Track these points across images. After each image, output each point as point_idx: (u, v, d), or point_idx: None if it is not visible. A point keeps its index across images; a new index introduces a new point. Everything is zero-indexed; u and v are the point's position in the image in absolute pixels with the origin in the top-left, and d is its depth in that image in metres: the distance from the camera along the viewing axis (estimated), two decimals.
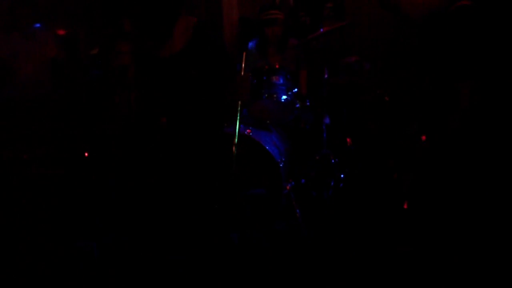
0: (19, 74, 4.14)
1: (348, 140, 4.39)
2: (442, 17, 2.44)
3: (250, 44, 4.67)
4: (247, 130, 3.90)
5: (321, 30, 4.27)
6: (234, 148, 2.96)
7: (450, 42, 2.43)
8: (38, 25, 4.28)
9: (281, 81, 4.15)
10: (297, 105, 4.25)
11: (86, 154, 4.18)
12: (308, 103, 4.32)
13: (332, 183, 4.26)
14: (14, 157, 3.77)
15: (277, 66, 4.17)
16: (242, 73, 2.74)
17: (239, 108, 2.83)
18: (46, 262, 3.74)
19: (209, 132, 2.70)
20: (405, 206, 3.57)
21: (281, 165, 3.92)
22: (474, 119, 2.58)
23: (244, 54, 2.78)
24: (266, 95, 4.10)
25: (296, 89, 4.26)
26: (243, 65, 2.75)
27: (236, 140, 2.93)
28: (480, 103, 2.51)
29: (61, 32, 4.49)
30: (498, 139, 2.63)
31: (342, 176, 4.26)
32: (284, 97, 4.13)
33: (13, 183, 3.75)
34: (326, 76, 4.29)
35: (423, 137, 3.24)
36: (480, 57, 2.43)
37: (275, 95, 4.11)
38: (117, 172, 3.98)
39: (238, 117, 2.84)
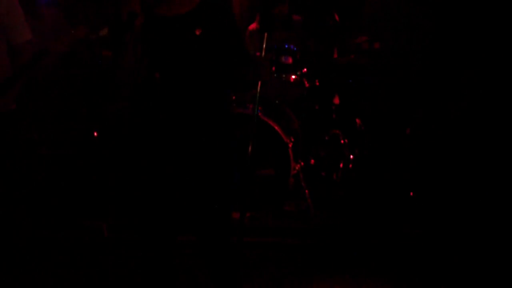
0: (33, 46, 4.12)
1: (357, 120, 4.36)
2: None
3: (252, 26, 4.64)
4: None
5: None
6: (250, 129, 2.94)
7: (458, 27, 2.38)
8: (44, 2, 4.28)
9: (290, 61, 4.11)
10: (307, 85, 4.22)
11: (96, 134, 4.18)
12: (317, 83, 4.28)
13: (341, 164, 4.24)
14: (24, 137, 3.77)
15: (286, 46, 4.13)
16: (263, 53, 2.70)
17: (259, 89, 2.80)
18: (56, 240, 3.77)
19: (214, 105, 2.65)
20: (411, 194, 3.55)
21: (290, 145, 3.90)
22: (475, 109, 2.55)
23: (266, 34, 2.74)
24: (275, 75, 4.07)
25: (305, 69, 4.22)
26: (264, 45, 2.71)
27: (255, 121, 2.91)
28: (482, 94, 2.47)
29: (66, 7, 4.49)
30: (498, 129, 2.60)
31: (351, 157, 4.23)
32: (293, 77, 4.10)
33: (24, 163, 3.75)
34: (335, 55, 4.25)
35: (407, 130, 3.23)
36: (485, 48, 2.38)
37: (284, 75, 4.08)
38: (126, 151, 3.98)
39: (257, 98, 2.81)
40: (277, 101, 4.17)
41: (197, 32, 2.48)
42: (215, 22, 2.53)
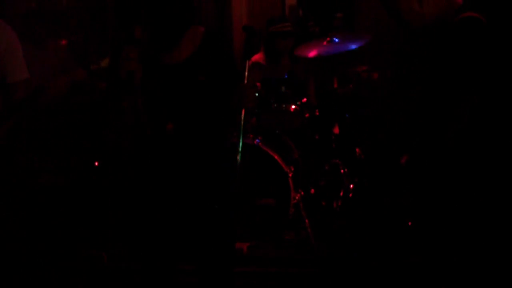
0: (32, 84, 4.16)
1: (357, 150, 4.39)
2: (445, 28, 2.41)
3: (256, 57, 4.70)
4: (257, 140, 3.92)
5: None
6: (238, 157, 2.97)
7: (454, 54, 2.40)
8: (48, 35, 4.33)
9: (290, 91, 4.17)
10: (306, 115, 4.26)
11: (97, 163, 4.21)
12: (317, 113, 4.33)
13: (341, 193, 4.25)
14: (25, 166, 3.80)
15: (286, 77, 4.20)
16: (245, 81, 2.75)
17: (242, 116, 2.84)
18: (58, 270, 3.77)
19: (216, 140, 2.72)
20: (409, 223, 3.55)
21: (290, 175, 3.93)
22: (475, 136, 2.55)
23: (247, 62, 2.79)
24: (275, 105, 4.12)
25: (305, 99, 4.28)
26: (246, 73, 2.76)
27: (240, 148, 2.94)
28: (481, 119, 2.48)
29: (71, 41, 4.53)
30: (496, 157, 2.61)
31: (351, 186, 4.25)
32: (293, 106, 4.15)
33: (24, 192, 3.78)
34: (335, 85, 4.30)
35: (403, 160, 3.25)
36: (484, 72, 2.40)
37: (284, 105, 4.13)
38: (126, 180, 4.00)
39: (242, 125, 2.85)
40: (277, 131, 4.21)
41: (201, 79, 2.56)
42: (215, 65, 2.60)
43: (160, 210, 2.69)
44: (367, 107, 4.26)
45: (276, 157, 3.91)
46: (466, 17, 2.37)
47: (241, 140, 2.95)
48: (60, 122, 4.14)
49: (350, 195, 4.25)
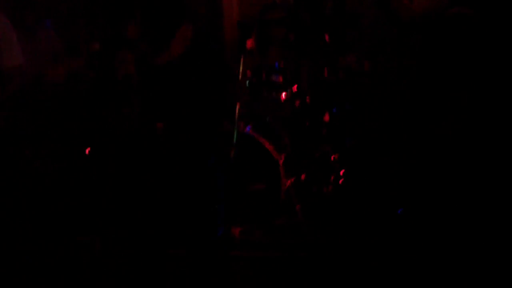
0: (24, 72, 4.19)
1: (346, 137, 4.45)
2: (435, 23, 2.45)
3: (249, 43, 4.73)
4: (247, 128, 3.98)
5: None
6: (233, 148, 3.03)
7: (445, 49, 2.45)
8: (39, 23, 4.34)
9: (281, 79, 4.23)
10: (297, 103, 4.32)
11: (87, 151, 4.24)
12: (307, 101, 4.38)
13: (331, 179, 4.32)
14: (16, 152, 3.83)
15: (276, 65, 4.25)
16: (240, 76, 2.81)
17: (237, 110, 2.90)
18: (50, 257, 3.82)
19: (208, 132, 2.77)
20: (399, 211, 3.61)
21: (281, 162, 4.00)
22: (470, 130, 2.60)
23: (242, 57, 2.85)
24: (266, 94, 4.18)
25: (295, 87, 4.33)
26: (240, 68, 2.82)
27: (235, 139, 3.01)
28: (476, 113, 2.53)
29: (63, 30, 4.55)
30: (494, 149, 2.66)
31: (341, 172, 4.31)
32: (283, 94, 4.21)
33: (15, 178, 3.81)
34: (325, 74, 4.36)
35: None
36: (477, 67, 2.44)
37: (274, 93, 4.19)
38: (119, 168, 4.05)
39: (237, 118, 2.91)
40: (267, 119, 4.27)
41: (192, 79, 2.61)
42: (206, 62, 2.66)
43: (153, 198, 2.75)
44: (350, 104, 4.32)
45: (266, 144, 3.97)
46: (454, 13, 2.41)
47: (235, 133, 3.00)
48: (56, 110, 4.16)
49: (340, 181, 4.31)
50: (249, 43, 4.76)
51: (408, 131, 3.54)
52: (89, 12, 4.57)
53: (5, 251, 3.56)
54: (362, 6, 4.59)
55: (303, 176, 4.32)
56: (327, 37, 4.60)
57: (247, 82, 4.10)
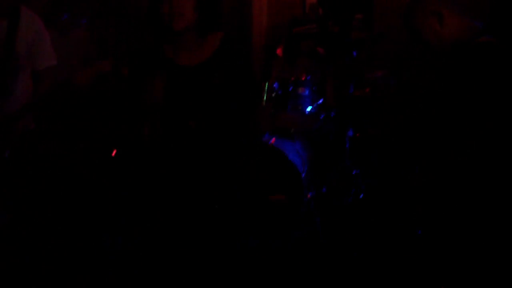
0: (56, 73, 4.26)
1: (370, 151, 4.47)
2: (463, 51, 2.46)
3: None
4: (272, 140, 4.02)
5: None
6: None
7: (469, 78, 2.45)
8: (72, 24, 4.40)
9: (307, 92, 4.27)
10: (321, 116, 4.35)
11: (113, 153, 4.31)
12: (332, 115, 4.42)
13: (352, 193, 4.34)
14: (47, 155, 3.90)
15: (303, 78, 4.28)
16: (263, 103, 2.85)
17: (259, 135, 2.92)
18: (73, 255, 3.89)
19: (232, 140, 2.82)
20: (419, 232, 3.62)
21: (303, 174, 4.04)
22: (491, 159, 2.60)
23: (267, 84, 2.88)
24: (291, 106, 4.22)
25: (321, 100, 4.37)
26: (264, 95, 2.85)
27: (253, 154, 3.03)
28: (495, 144, 2.53)
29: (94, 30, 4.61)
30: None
31: (363, 187, 4.34)
32: (309, 108, 4.25)
33: (36, 179, 3.88)
34: (351, 90, 4.38)
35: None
36: (501, 98, 2.44)
37: (300, 107, 4.23)
38: (143, 172, 4.11)
39: (258, 146, 2.93)
40: (292, 131, 4.31)
41: (215, 81, 2.66)
42: (231, 68, 2.70)
43: (174, 204, 2.80)
44: (370, 126, 4.35)
45: (290, 157, 4.01)
46: (483, 42, 2.42)
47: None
48: (84, 113, 4.24)
49: (361, 196, 4.34)
50: (279, 52, 4.82)
51: (430, 152, 3.55)
52: (120, 14, 4.65)
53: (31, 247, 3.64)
54: (391, 27, 4.61)
55: (324, 189, 4.36)
56: (354, 52, 4.62)
57: (273, 93, 4.16)
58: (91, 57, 4.44)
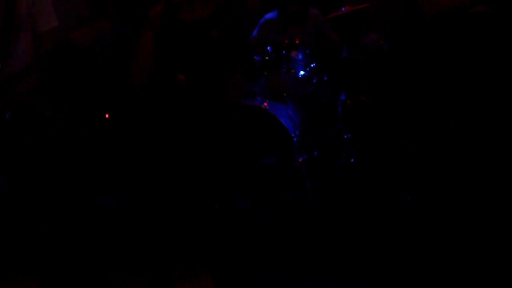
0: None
1: (361, 116, 4.48)
2: (457, 19, 2.48)
3: (270, 15, 4.74)
4: (264, 103, 4.03)
5: (343, 9, 4.35)
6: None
7: (463, 46, 2.48)
8: None
9: (300, 56, 4.26)
10: (314, 80, 4.36)
11: (107, 115, 4.31)
12: (325, 78, 4.42)
13: (343, 157, 4.38)
14: (38, 114, 3.90)
15: (297, 42, 4.27)
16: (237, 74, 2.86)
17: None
18: (67, 217, 3.94)
19: (223, 102, 2.84)
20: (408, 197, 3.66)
21: (294, 139, 4.06)
22: (482, 125, 2.63)
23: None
24: (285, 70, 4.22)
25: (314, 64, 4.36)
26: (237, 65, 2.85)
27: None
28: (486, 113, 2.56)
29: None
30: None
31: (353, 151, 4.37)
32: (302, 72, 4.25)
33: (36, 139, 3.88)
34: (344, 54, 4.38)
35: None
36: (492, 66, 2.47)
37: (293, 70, 4.23)
38: (134, 134, 4.12)
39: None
40: (284, 95, 4.31)
41: (213, 34, 2.69)
42: (229, 26, 2.74)
43: (166, 163, 2.83)
44: (363, 90, 4.35)
45: (282, 121, 4.03)
46: (477, 11, 2.43)
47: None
48: (84, 72, 4.22)
49: (352, 160, 4.37)
50: (271, 14, 4.78)
51: (421, 118, 3.58)
52: None
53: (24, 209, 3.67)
54: None
55: (315, 153, 4.39)
56: (346, 8, 4.58)
57: (267, 57, 4.15)
58: (87, 16, 4.40)
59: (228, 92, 2.78)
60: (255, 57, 4.16)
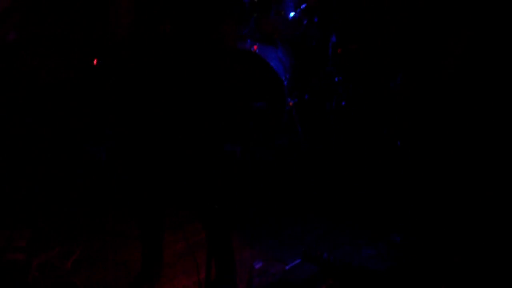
0: None
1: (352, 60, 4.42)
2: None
3: None
4: (254, 46, 3.96)
5: None
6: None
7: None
8: None
9: None
10: (305, 22, 4.27)
11: (95, 61, 4.22)
12: (315, 20, 4.32)
13: (334, 100, 4.34)
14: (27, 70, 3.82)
15: None
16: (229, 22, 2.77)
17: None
18: (60, 164, 3.92)
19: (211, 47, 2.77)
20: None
21: (285, 82, 4.01)
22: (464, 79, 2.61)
23: None
24: (274, 12, 4.12)
25: (304, 5, 4.26)
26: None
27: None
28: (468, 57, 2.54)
29: None
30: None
31: (344, 94, 4.33)
32: (292, 14, 4.16)
33: (26, 91, 3.83)
34: None
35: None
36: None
37: (282, 12, 4.13)
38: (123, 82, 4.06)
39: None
40: (275, 37, 4.23)
41: (167, 29, 2.58)
42: (185, 16, 2.61)
43: (157, 113, 2.79)
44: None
45: (272, 64, 3.97)
46: None
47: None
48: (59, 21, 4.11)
49: (343, 103, 4.34)
50: None
51: (412, 63, 3.54)
52: None
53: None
54: None
55: (306, 96, 4.35)
56: None
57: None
58: None
59: (219, 39, 2.70)
60: None
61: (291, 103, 4.12)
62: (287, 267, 2.86)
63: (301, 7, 4.22)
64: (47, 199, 3.61)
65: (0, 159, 3.65)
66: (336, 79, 4.33)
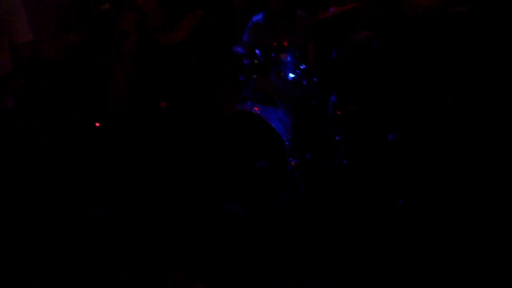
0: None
1: (351, 120, 4.46)
2: (438, 20, 2.51)
3: (257, 17, 4.71)
4: (255, 108, 4.00)
5: (331, 9, 4.32)
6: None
7: (444, 45, 2.51)
8: None
9: (289, 59, 4.23)
10: (304, 82, 4.33)
11: (98, 124, 4.27)
12: (315, 80, 4.39)
13: (336, 159, 4.36)
14: (27, 125, 3.85)
15: (285, 44, 4.23)
16: (229, 87, 2.82)
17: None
18: (62, 227, 3.91)
19: (208, 113, 2.81)
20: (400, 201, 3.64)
21: (286, 142, 4.04)
22: (459, 129, 2.65)
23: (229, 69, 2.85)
24: (274, 73, 4.18)
25: (303, 66, 4.33)
26: (228, 79, 2.83)
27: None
28: (467, 112, 2.59)
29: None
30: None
31: (346, 153, 4.35)
32: (291, 75, 4.22)
33: (26, 152, 3.85)
34: (333, 54, 4.34)
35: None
36: (472, 65, 2.50)
37: (282, 73, 4.20)
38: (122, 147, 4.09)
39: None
40: (275, 98, 4.28)
41: (192, 59, 2.63)
42: (208, 48, 2.67)
43: (159, 176, 2.80)
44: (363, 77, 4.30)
45: (273, 125, 4.00)
46: (458, 11, 2.46)
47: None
48: (59, 83, 4.17)
49: (345, 161, 4.36)
50: (258, 16, 4.73)
51: (409, 118, 3.57)
52: None
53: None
54: None
55: (308, 156, 4.37)
56: (334, 9, 4.55)
57: (256, 61, 4.12)
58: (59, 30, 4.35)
59: (221, 104, 2.75)
60: (244, 61, 4.13)
61: (293, 163, 4.13)
62: None
63: (300, 67, 4.28)
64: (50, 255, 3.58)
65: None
66: (337, 138, 4.37)
